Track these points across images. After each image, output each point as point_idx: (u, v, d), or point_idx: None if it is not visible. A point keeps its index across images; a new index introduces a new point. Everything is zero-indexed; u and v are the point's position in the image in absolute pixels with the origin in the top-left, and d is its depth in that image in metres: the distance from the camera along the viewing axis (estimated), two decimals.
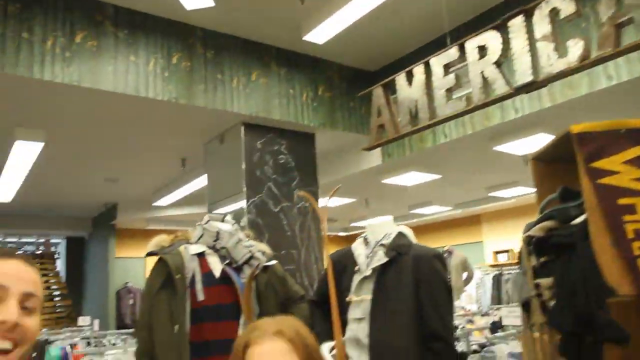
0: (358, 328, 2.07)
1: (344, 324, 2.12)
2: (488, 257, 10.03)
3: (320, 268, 4.86)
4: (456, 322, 4.24)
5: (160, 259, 2.15)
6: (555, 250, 1.34)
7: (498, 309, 6.00)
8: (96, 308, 9.18)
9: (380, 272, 2.08)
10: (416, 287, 2.03)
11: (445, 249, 6.91)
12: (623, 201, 1.30)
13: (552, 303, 1.33)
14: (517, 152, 5.06)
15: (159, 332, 2.06)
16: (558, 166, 1.60)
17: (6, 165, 5.56)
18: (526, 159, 5.38)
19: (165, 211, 8.13)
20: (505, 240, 9.64)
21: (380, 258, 2.09)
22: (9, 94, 3.94)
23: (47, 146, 4.91)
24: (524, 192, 7.25)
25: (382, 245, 2.14)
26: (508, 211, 9.44)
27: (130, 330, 6.68)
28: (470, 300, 8.04)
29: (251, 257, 2.18)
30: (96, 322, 6.29)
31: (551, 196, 1.48)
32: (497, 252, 9.78)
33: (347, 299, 2.13)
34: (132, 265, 10.11)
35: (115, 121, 4.68)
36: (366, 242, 2.23)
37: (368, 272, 2.10)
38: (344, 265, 2.23)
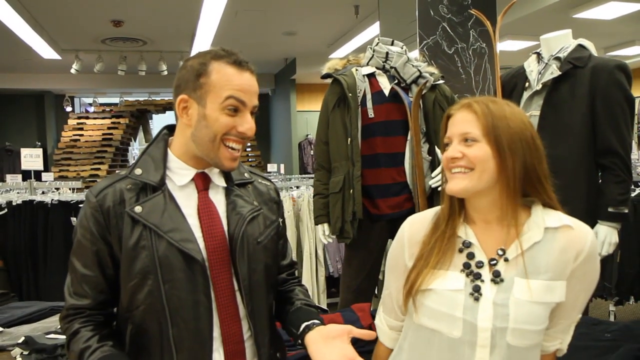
0: None
1: None
2: None
3: None
4: None
5: (334, 80, 2.32)
6: None
7: None
8: (282, 158, 10.19)
9: (552, 87, 2.00)
10: (592, 99, 1.91)
11: None
12: None
13: None
14: None
15: (334, 145, 2.29)
16: None
17: (198, 25, 6.18)
18: None
19: (325, 65, 8.36)
20: None
21: (553, 72, 1.99)
22: None
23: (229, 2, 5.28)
24: None
25: (556, 58, 2.02)
26: None
27: (312, 175, 7.39)
28: None
29: (419, 77, 2.24)
30: (282, 166, 7.03)
31: None
32: None
33: None
34: (312, 117, 10.83)
35: None
36: (540, 57, 2.12)
37: (538, 87, 2.03)
38: (515, 83, 2.17)
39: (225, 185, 1.23)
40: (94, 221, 1.12)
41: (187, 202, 1.17)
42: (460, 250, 1.11)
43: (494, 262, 1.08)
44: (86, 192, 1.18)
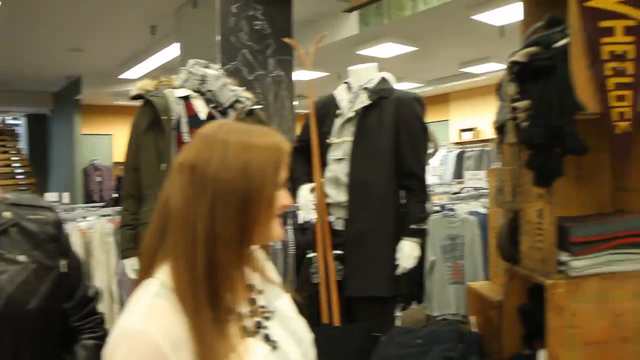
0: (338, 168, 2.19)
1: (323, 166, 2.25)
2: (453, 136, 10.33)
3: (293, 138, 4.96)
4: None
5: (146, 102, 2.16)
6: (535, 75, 1.43)
7: (460, 182, 6.28)
8: (63, 186, 9.14)
9: (362, 115, 2.17)
10: (396, 128, 2.13)
11: None
12: (604, 24, 1.37)
13: (524, 124, 1.44)
14: (494, 22, 5.05)
15: (146, 171, 2.13)
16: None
17: None
18: (502, 29, 5.38)
19: (135, 85, 7.93)
20: (471, 119, 9.85)
21: (363, 100, 2.17)
22: None
23: (3, 7, 4.63)
24: (495, 68, 7.33)
25: (365, 89, 2.21)
26: (476, 90, 9.56)
27: (100, 204, 6.70)
28: (434, 172, 8.37)
29: (236, 101, 2.23)
30: (65, 195, 6.25)
31: (537, 24, 1.54)
32: (463, 130, 10.03)
33: (328, 141, 2.23)
34: (99, 141, 10.01)
35: None
36: (349, 87, 2.30)
37: (350, 114, 2.19)
38: (327, 110, 2.30)
39: None
40: None
41: None
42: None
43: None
44: None
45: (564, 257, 1.44)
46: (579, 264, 1.42)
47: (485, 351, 1.83)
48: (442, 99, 10.54)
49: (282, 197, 0.91)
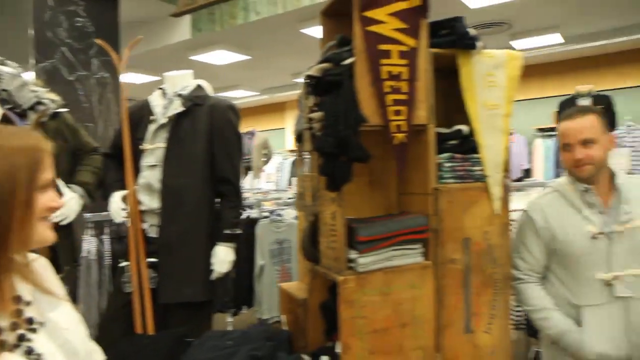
0: (150, 175, 2.15)
1: (137, 172, 2.19)
2: (289, 143, 10.67)
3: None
4: (253, 198, 4.51)
5: None
6: (327, 89, 1.56)
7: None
8: None
9: (176, 121, 2.16)
10: (210, 135, 2.16)
11: (248, 130, 7.09)
12: (382, 47, 1.56)
13: (319, 134, 1.57)
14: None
15: None
16: (343, 21, 1.79)
17: None
18: None
19: None
20: None
21: (177, 107, 2.16)
22: None
23: None
24: None
25: (179, 95, 2.20)
26: None
27: None
28: (269, 179, 8.55)
29: (38, 103, 2.07)
30: None
31: (331, 43, 1.69)
32: None
33: (141, 147, 2.18)
34: None
35: None
36: (164, 93, 2.27)
37: (164, 121, 2.16)
38: (141, 116, 2.25)
39: None
40: None
41: None
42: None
43: None
44: None
45: (353, 254, 1.59)
46: (365, 261, 1.58)
47: (294, 347, 1.94)
48: (279, 108, 10.84)
49: (47, 199, 0.89)
